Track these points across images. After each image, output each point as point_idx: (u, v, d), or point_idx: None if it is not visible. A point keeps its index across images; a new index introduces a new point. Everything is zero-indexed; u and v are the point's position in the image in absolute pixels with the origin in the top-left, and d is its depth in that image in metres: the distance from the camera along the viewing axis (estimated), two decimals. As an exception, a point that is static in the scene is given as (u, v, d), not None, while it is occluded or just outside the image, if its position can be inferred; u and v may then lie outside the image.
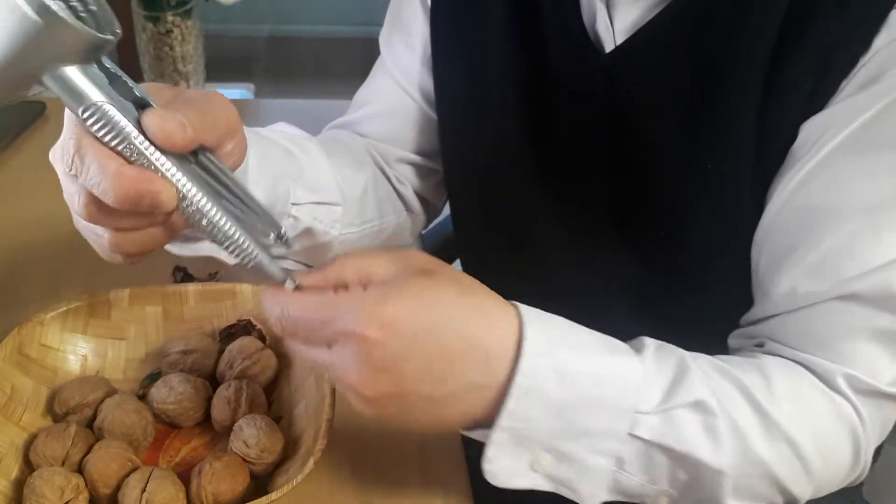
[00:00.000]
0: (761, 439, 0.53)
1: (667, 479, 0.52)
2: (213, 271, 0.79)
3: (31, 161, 0.97)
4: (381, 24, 0.83)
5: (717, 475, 0.51)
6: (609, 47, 0.64)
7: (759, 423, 0.53)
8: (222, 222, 0.45)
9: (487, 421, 0.49)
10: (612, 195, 0.66)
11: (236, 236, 0.46)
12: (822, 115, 0.56)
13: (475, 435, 0.51)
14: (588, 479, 0.51)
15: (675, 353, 0.54)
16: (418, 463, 0.62)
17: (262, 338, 0.68)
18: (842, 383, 0.55)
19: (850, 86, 0.55)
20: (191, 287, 0.70)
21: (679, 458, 0.51)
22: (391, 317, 0.45)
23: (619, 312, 0.67)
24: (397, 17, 0.80)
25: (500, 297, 0.50)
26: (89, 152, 0.43)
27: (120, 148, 0.43)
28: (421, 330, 0.46)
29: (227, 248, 0.46)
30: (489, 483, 0.51)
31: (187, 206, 0.45)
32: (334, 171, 0.72)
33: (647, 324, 0.56)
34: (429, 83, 0.78)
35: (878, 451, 0.77)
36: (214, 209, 0.45)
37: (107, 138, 0.43)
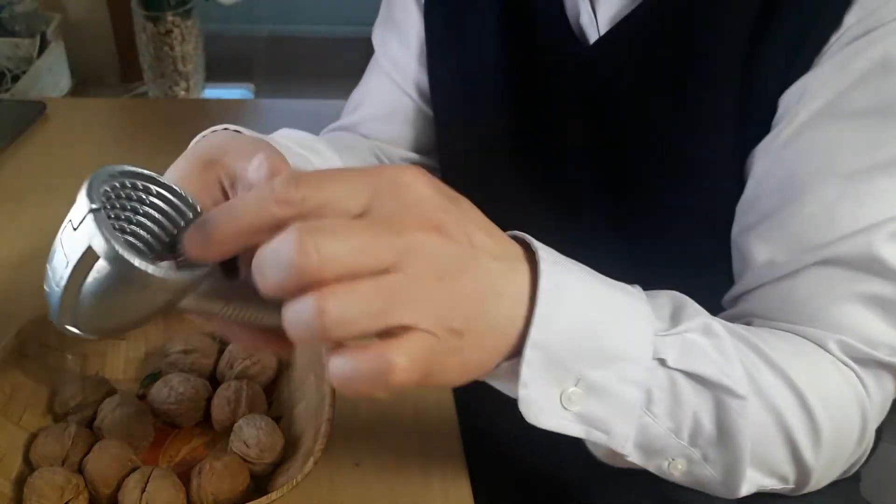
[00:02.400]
0: (770, 385, 0.50)
1: (690, 427, 0.49)
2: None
3: (31, 161, 0.97)
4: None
5: (741, 405, 0.48)
6: (593, 40, 0.65)
7: (766, 368, 0.50)
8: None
9: (516, 350, 0.44)
10: (598, 184, 0.67)
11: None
12: (796, 86, 0.56)
13: (502, 370, 0.45)
14: (621, 415, 0.47)
15: (663, 291, 0.52)
16: (418, 463, 0.62)
17: (262, 338, 0.68)
18: (836, 350, 0.53)
19: (821, 61, 0.55)
20: (191, 287, 0.70)
21: (704, 385, 0.48)
22: (424, 174, 0.40)
23: None
24: (389, 15, 0.80)
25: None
26: None
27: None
28: (453, 195, 0.41)
29: None
30: (489, 483, 0.51)
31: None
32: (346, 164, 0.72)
33: None
34: (425, 80, 0.78)
35: (876, 446, 0.77)
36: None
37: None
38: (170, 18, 1.09)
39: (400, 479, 0.61)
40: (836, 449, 0.54)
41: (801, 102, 0.55)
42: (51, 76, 2.18)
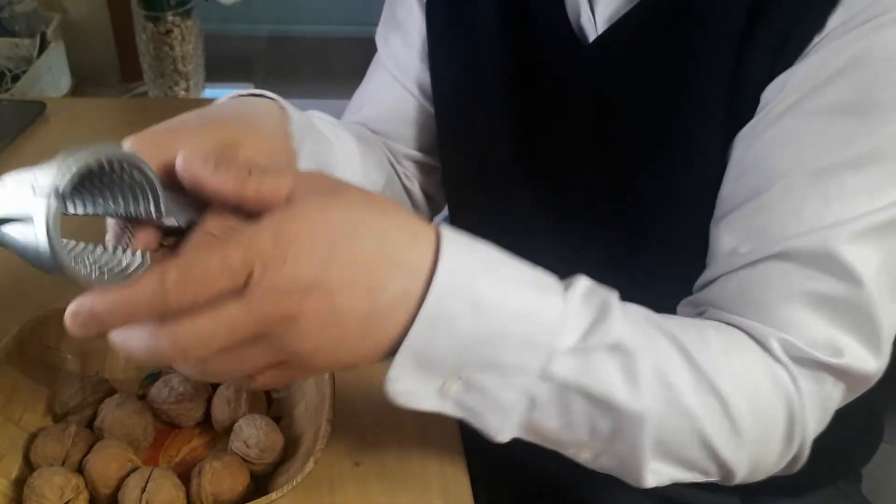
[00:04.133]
0: (689, 389, 0.50)
1: (585, 428, 0.50)
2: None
3: (31, 161, 0.96)
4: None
5: (636, 421, 0.49)
6: (592, 39, 0.65)
7: (688, 373, 0.51)
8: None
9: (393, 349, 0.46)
10: (597, 181, 0.68)
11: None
12: (778, 79, 0.56)
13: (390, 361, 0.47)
14: (497, 413, 0.48)
15: (601, 295, 0.51)
16: (418, 462, 0.62)
17: (262, 338, 0.68)
18: (776, 347, 0.53)
19: (804, 58, 0.55)
20: (191, 287, 0.70)
21: (595, 402, 0.49)
22: (304, 229, 0.41)
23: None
24: (392, 15, 0.81)
25: (418, 217, 0.47)
26: None
27: None
28: (338, 238, 0.42)
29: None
30: (490, 483, 0.51)
31: None
32: (363, 162, 0.73)
33: (627, 295, 0.56)
34: (427, 79, 0.79)
35: (876, 446, 0.77)
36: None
37: None
38: (170, 18, 1.09)
39: (400, 479, 0.61)
40: (760, 446, 0.54)
41: (779, 96, 0.56)
42: (51, 76, 2.18)
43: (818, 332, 0.53)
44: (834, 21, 0.53)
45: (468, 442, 0.63)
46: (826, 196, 0.53)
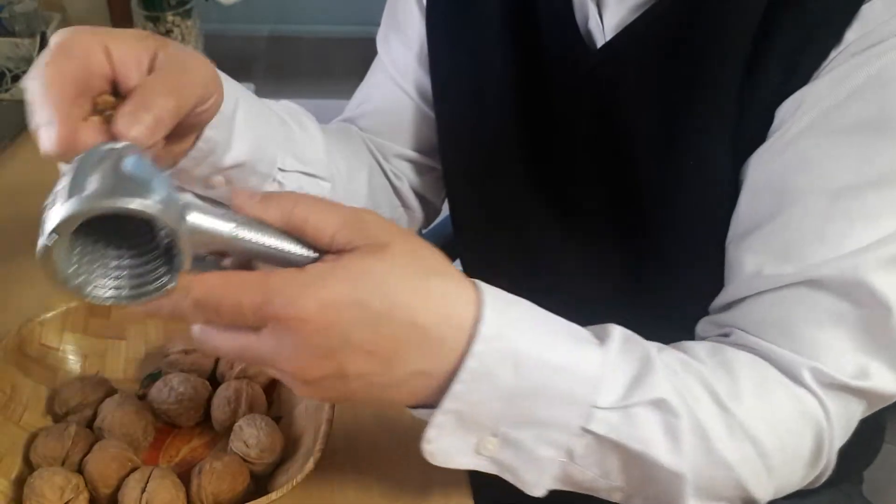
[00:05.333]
0: (725, 440, 0.51)
1: (621, 476, 0.50)
2: (212, 271, 0.79)
3: (31, 161, 0.97)
4: (380, 24, 0.84)
5: (675, 478, 0.50)
6: (600, 45, 0.65)
7: (722, 422, 0.51)
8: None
9: (432, 402, 0.46)
10: (604, 189, 0.67)
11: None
12: (792, 98, 0.56)
13: (418, 413, 0.48)
14: (533, 468, 0.48)
15: (640, 345, 0.51)
16: (418, 462, 0.62)
17: (262, 338, 0.68)
18: (807, 377, 0.54)
19: (821, 75, 0.55)
20: (191, 287, 0.70)
21: (634, 457, 0.49)
22: (333, 298, 0.41)
23: (610, 303, 0.67)
24: (393, 16, 0.81)
25: (460, 275, 0.46)
26: None
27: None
28: (368, 315, 0.42)
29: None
30: (489, 483, 0.51)
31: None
32: (328, 149, 0.72)
33: (638, 314, 0.56)
34: (425, 81, 0.78)
35: (878, 448, 0.77)
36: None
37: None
38: (170, 18, 1.09)
39: (400, 479, 0.61)
40: (787, 476, 0.55)
41: (797, 114, 0.55)
42: (51, 76, 2.18)
43: (847, 357, 0.54)
44: (851, 35, 0.53)
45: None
46: (849, 216, 0.53)
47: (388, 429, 0.64)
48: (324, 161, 0.71)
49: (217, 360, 0.67)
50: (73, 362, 0.66)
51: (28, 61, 2.02)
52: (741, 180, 0.59)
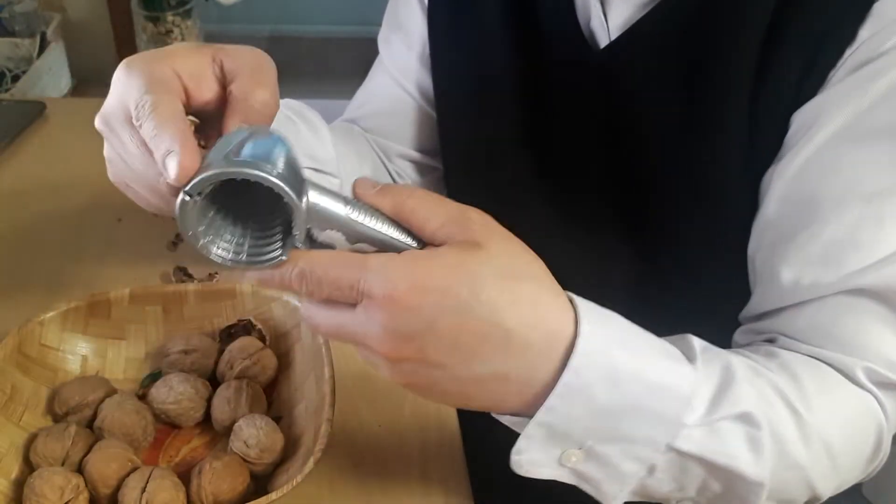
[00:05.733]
0: (798, 442, 0.51)
1: (696, 488, 0.51)
2: (212, 271, 0.79)
3: (31, 161, 0.97)
4: (380, 24, 0.84)
5: (755, 487, 0.50)
6: (604, 44, 0.65)
7: (794, 426, 0.51)
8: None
9: (511, 409, 0.47)
10: (609, 188, 0.67)
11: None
12: (812, 104, 0.56)
13: (505, 420, 0.49)
14: (615, 481, 0.49)
15: (719, 356, 0.51)
16: (418, 463, 0.62)
17: (262, 338, 0.68)
18: (861, 376, 0.54)
19: (836, 77, 0.55)
20: (191, 287, 0.70)
21: (717, 471, 0.49)
22: (422, 282, 0.42)
23: (617, 307, 0.67)
24: (395, 16, 0.81)
25: (556, 285, 0.47)
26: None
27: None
28: (454, 304, 0.43)
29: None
30: (489, 483, 0.51)
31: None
32: (336, 146, 0.73)
33: (643, 316, 0.57)
34: (427, 81, 0.78)
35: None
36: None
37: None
38: (170, 18, 1.09)
39: (400, 479, 0.61)
40: (852, 472, 0.56)
41: (819, 123, 0.55)
42: (51, 76, 2.18)
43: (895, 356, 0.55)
44: (865, 32, 0.53)
45: (468, 443, 0.63)
46: (881, 220, 0.54)
47: (388, 429, 0.64)
48: (333, 158, 0.72)
49: (217, 360, 0.67)
50: (73, 362, 0.66)
51: (28, 61, 2.02)
52: (763, 190, 0.59)
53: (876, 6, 0.53)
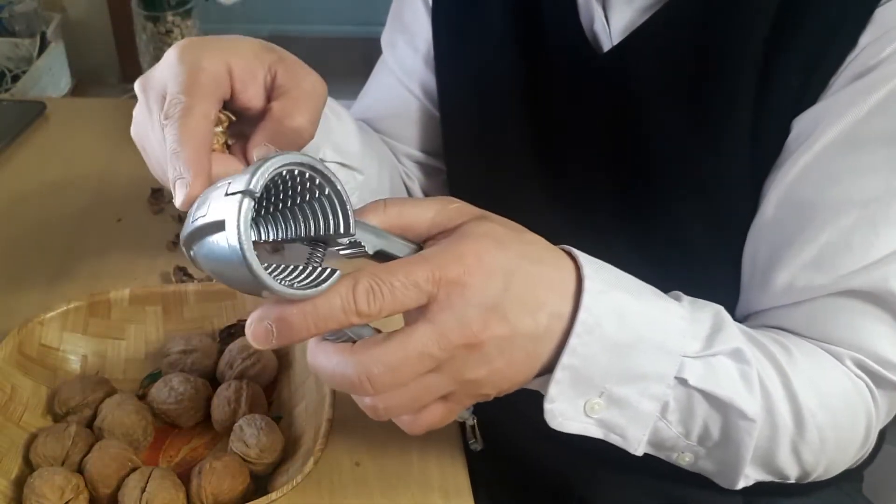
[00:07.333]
0: (783, 401, 0.53)
1: (698, 432, 0.52)
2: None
3: (31, 161, 0.97)
4: (381, 24, 0.83)
5: (749, 425, 0.52)
6: (607, 48, 0.64)
7: (781, 386, 0.54)
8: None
9: (548, 367, 0.48)
10: (613, 191, 0.67)
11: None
12: (812, 111, 0.56)
13: (534, 384, 0.50)
14: (637, 423, 0.51)
15: (709, 304, 0.54)
16: (418, 463, 0.62)
17: (262, 338, 0.68)
18: (851, 365, 0.57)
19: (837, 83, 0.55)
20: (191, 287, 0.70)
21: (718, 405, 0.51)
22: (476, 253, 0.43)
23: None
24: (399, 18, 0.81)
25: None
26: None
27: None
28: (505, 261, 0.44)
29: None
30: (490, 483, 0.51)
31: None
32: (362, 140, 0.73)
33: None
34: (432, 83, 0.78)
35: (878, 448, 0.77)
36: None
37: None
38: (170, 18, 1.09)
39: (400, 479, 0.61)
40: (840, 454, 0.58)
41: (818, 130, 0.56)
42: (51, 76, 2.18)
43: (886, 353, 0.57)
44: (865, 39, 0.54)
45: (468, 443, 0.63)
46: (874, 224, 0.55)
47: (387, 429, 0.64)
48: (359, 154, 0.72)
49: (217, 360, 0.67)
50: (73, 362, 0.66)
51: (28, 61, 2.02)
52: (763, 194, 0.60)
53: (877, 13, 0.53)
